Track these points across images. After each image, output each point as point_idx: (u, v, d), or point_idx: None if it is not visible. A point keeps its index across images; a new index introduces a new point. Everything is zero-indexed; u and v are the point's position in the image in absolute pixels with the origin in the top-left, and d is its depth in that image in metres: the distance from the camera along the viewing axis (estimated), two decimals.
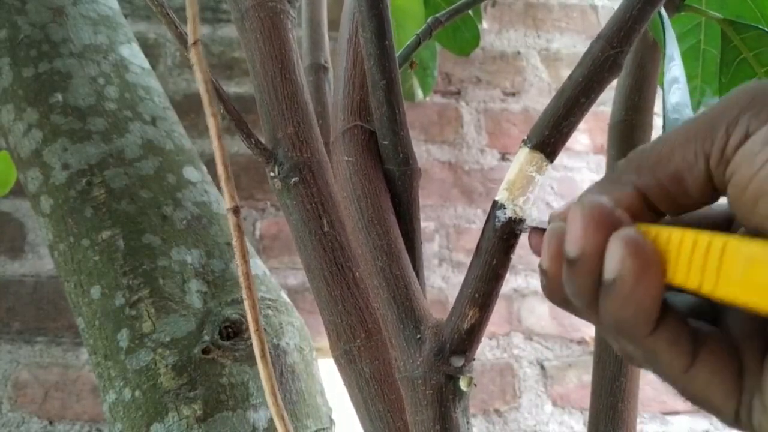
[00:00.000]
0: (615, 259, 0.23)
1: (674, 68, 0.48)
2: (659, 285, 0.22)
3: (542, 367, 1.15)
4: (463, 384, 0.42)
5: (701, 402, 0.24)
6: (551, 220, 0.28)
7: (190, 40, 0.30)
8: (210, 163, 0.64)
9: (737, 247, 0.20)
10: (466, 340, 0.41)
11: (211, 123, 0.31)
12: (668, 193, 0.24)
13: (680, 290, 0.22)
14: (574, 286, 0.25)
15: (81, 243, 0.59)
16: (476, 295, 0.41)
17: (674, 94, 0.46)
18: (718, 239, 0.21)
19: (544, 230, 0.28)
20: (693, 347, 0.23)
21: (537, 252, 0.29)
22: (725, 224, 0.26)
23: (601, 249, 0.23)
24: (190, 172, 0.65)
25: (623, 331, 0.24)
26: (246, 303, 0.36)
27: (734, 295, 0.20)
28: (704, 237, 0.21)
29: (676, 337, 0.23)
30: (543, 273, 0.27)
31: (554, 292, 0.27)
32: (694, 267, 0.21)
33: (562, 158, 1.29)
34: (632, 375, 0.60)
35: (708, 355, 0.23)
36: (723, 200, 0.24)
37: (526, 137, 0.41)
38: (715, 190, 0.23)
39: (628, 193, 0.24)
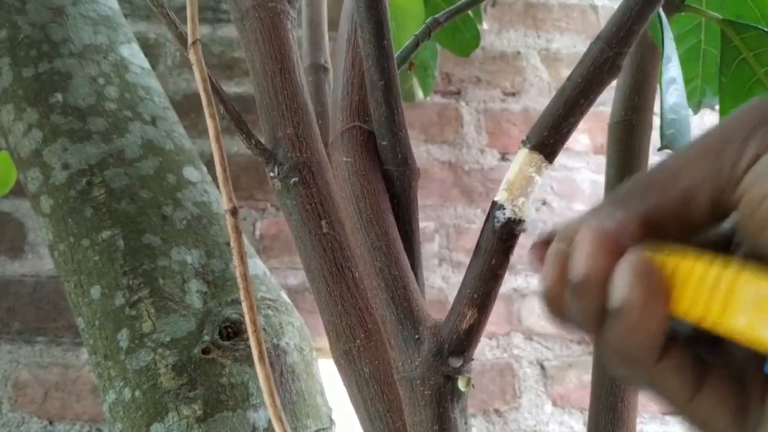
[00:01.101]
0: (622, 286, 0.22)
1: (672, 69, 0.48)
2: (665, 314, 0.22)
3: (542, 367, 1.15)
4: (461, 384, 0.42)
5: (706, 429, 0.23)
6: (552, 236, 0.27)
7: (190, 39, 0.30)
8: (210, 163, 0.64)
9: (749, 281, 0.20)
10: (464, 341, 0.41)
11: (210, 124, 0.31)
12: (675, 213, 0.23)
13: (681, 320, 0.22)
14: (578, 310, 0.24)
15: (81, 243, 0.59)
16: (475, 296, 0.41)
17: (672, 95, 0.46)
18: (729, 272, 0.20)
19: (546, 245, 0.27)
20: (698, 375, 0.23)
21: (536, 266, 0.28)
22: (724, 243, 0.25)
23: (607, 275, 0.23)
24: (190, 172, 0.66)
25: (628, 358, 0.23)
26: (244, 305, 0.36)
27: (738, 331, 0.20)
28: (713, 268, 0.21)
29: (682, 365, 0.23)
30: (544, 294, 0.26)
31: (555, 313, 0.26)
32: (700, 298, 0.21)
33: (561, 158, 1.29)
34: None
35: (713, 383, 0.23)
36: None
37: (525, 138, 0.41)
38: (723, 211, 0.23)
39: (634, 215, 0.24)
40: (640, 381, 0.24)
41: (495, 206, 0.41)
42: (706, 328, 0.21)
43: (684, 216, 0.23)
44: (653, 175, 0.24)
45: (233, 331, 0.58)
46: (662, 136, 0.47)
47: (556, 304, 0.26)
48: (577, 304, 0.24)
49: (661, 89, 0.48)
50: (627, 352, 0.23)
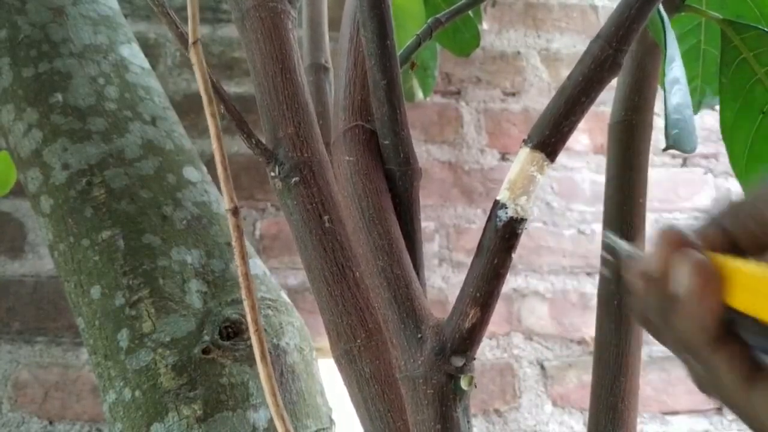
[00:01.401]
0: (679, 274, 0.25)
1: (675, 69, 0.48)
2: (718, 302, 0.24)
3: (542, 367, 1.15)
4: (464, 383, 0.42)
5: (759, 428, 0.25)
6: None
7: (191, 39, 0.30)
8: (210, 163, 0.64)
9: None
10: (467, 340, 0.41)
11: (210, 123, 0.31)
12: (757, 240, 0.25)
13: (745, 317, 0.24)
14: (650, 301, 0.27)
15: (81, 243, 0.59)
16: (477, 295, 0.41)
17: (675, 95, 0.46)
18: None
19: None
20: (755, 372, 0.24)
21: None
22: None
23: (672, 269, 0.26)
24: (190, 172, 0.65)
25: (686, 346, 0.26)
26: (245, 304, 0.36)
27: None
28: None
29: (738, 357, 0.25)
30: (632, 293, 0.28)
31: (638, 312, 0.29)
32: (760, 294, 0.23)
33: (561, 158, 1.29)
34: (632, 375, 0.60)
35: None
36: None
37: (527, 137, 0.41)
38: None
39: (715, 231, 0.26)
40: (701, 373, 0.26)
41: (497, 205, 0.41)
42: (763, 323, 0.23)
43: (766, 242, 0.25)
44: (743, 202, 0.26)
45: (233, 331, 0.57)
46: (667, 136, 0.48)
47: (640, 301, 0.28)
48: (648, 295, 0.27)
49: (664, 89, 0.48)
50: (684, 339, 0.25)
